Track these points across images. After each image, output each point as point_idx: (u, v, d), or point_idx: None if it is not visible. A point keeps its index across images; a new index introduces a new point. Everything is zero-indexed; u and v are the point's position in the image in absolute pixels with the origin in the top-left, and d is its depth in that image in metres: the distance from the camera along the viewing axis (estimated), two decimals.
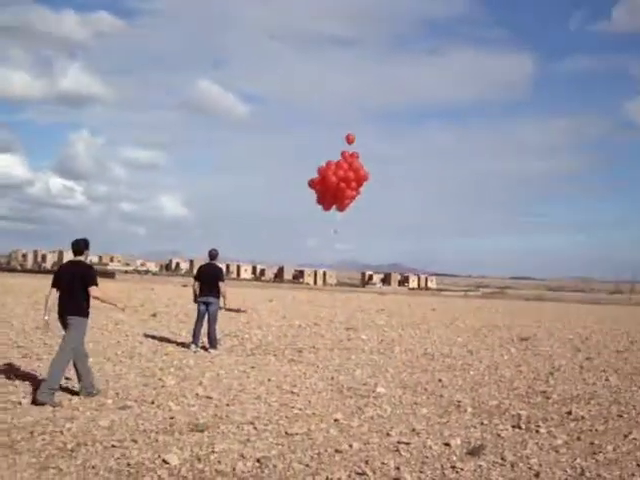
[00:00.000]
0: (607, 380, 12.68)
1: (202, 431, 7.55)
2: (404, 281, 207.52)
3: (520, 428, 8.48)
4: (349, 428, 8.06)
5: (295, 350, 14.89)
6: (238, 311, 11.70)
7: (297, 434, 7.66)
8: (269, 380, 10.98)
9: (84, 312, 9.18)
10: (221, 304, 14.48)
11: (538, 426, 8.58)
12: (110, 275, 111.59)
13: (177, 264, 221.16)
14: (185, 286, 55.16)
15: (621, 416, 9.48)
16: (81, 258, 9.46)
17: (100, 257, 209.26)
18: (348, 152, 15.64)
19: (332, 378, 11.54)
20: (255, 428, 7.85)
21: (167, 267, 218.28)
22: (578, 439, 8.07)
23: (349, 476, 6.35)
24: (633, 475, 6.67)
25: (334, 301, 42.89)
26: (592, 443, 7.87)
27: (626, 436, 8.26)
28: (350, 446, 7.23)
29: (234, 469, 6.37)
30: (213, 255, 14.76)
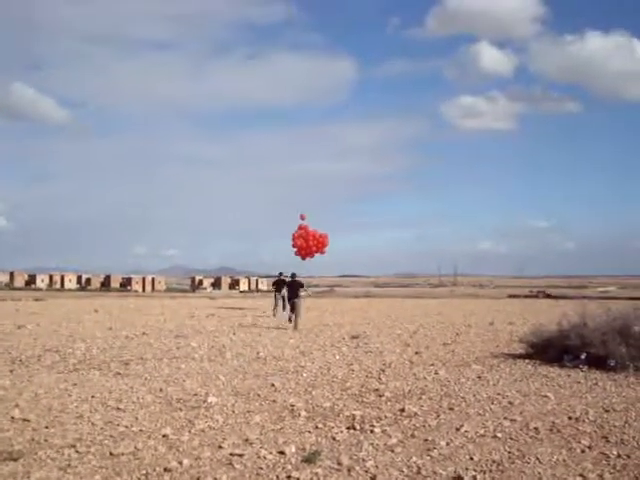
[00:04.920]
0: (436, 374, 12.94)
1: (16, 459, 6.91)
2: (235, 284, 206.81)
3: (355, 429, 8.40)
4: (179, 443, 7.66)
5: (121, 362, 14.22)
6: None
7: (123, 454, 7.18)
8: (93, 397, 10.36)
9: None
10: (303, 294, 25.12)
11: (372, 426, 8.53)
12: None
13: None
14: (4, 300, 52.30)
15: (452, 409, 9.62)
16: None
17: None
18: (302, 225, 27.05)
19: (161, 390, 11.05)
20: (77, 451, 7.29)
21: None
22: (412, 436, 8.07)
23: None
24: (467, 469, 6.70)
25: (163, 308, 41.91)
26: (426, 440, 7.89)
27: (458, 429, 8.37)
28: (180, 463, 6.84)
29: None
30: (294, 275, 25.05)
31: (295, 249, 27.75)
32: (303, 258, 27.91)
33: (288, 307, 26.06)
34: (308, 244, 27.38)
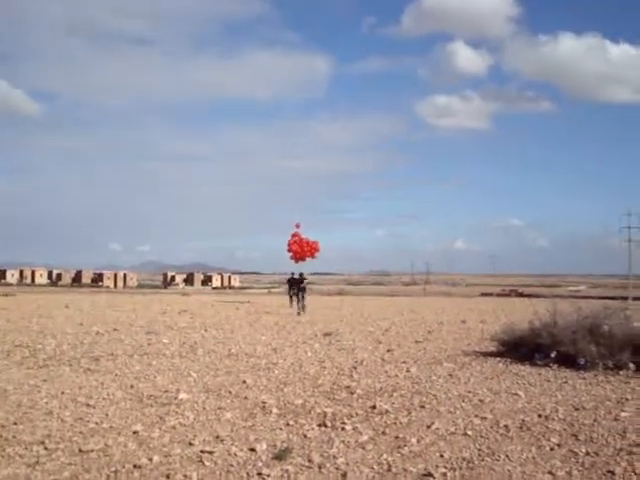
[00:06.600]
0: (408, 371, 12.97)
1: None
2: (207, 280, 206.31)
3: (326, 426, 8.39)
4: (149, 440, 7.61)
5: (92, 358, 14.12)
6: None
7: (92, 451, 7.11)
8: (63, 393, 10.27)
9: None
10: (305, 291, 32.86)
11: (344, 423, 8.52)
12: None
13: None
14: None
15: (423, 407, 9.64)
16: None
17: None
18: (296, 232, 31.83)
19: (131, 386, 10.98)
20: (46, 448, 7.21)
21: None
22: (383, 433, 8.08)
23: None
24: (437, 467, 6.71)
25: (135, 304, 41.69)
26: (397, 437, 7.89)
27: (429, 427, 8.38)
28: (150, 460, 6.79)
29: None
30: (301, 274, 32.76)
31: (290, 254, 33.57)
32: (296, 261, 34.10)
33: (295, 300, 32.91)
34: (302, 250, 33.51)
